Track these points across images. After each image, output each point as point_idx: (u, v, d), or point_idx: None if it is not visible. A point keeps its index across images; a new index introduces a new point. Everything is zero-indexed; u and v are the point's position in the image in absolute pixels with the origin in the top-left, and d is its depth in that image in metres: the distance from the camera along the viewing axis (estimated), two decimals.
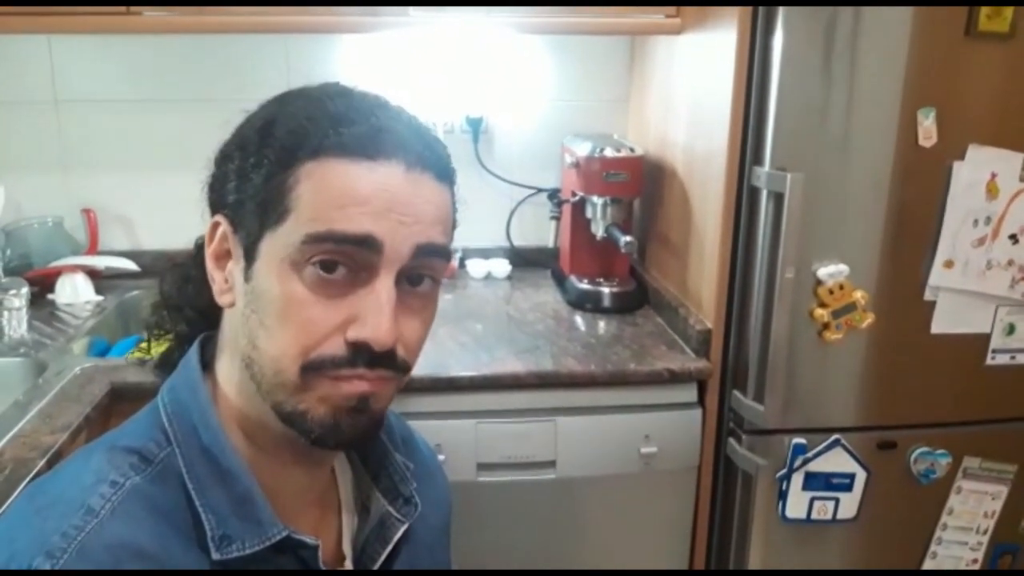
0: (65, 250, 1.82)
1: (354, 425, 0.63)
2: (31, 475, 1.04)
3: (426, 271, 0.65)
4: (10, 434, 1.15)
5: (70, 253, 1.81)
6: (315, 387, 0.61)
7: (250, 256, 0.63)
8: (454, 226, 0.69)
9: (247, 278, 0.63)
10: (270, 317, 0.61)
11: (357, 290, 0.61)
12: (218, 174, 0.67)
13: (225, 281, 0.66)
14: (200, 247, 0.70)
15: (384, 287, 0.61)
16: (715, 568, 1.61)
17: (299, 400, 0.62)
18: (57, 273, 1.76)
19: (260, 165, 0.62)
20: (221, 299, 0.67)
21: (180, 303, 0.75)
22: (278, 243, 0.61)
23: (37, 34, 1.78)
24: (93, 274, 1.80)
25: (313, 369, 0.61)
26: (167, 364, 0.73)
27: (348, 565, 0.74)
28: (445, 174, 0.67)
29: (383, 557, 0.73)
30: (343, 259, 0.60)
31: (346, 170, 0.60)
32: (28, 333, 1.55)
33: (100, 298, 1.76)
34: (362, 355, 0.61)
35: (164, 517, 0.61)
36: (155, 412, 0.67)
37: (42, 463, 1.08)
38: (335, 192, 0.60)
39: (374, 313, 0.60)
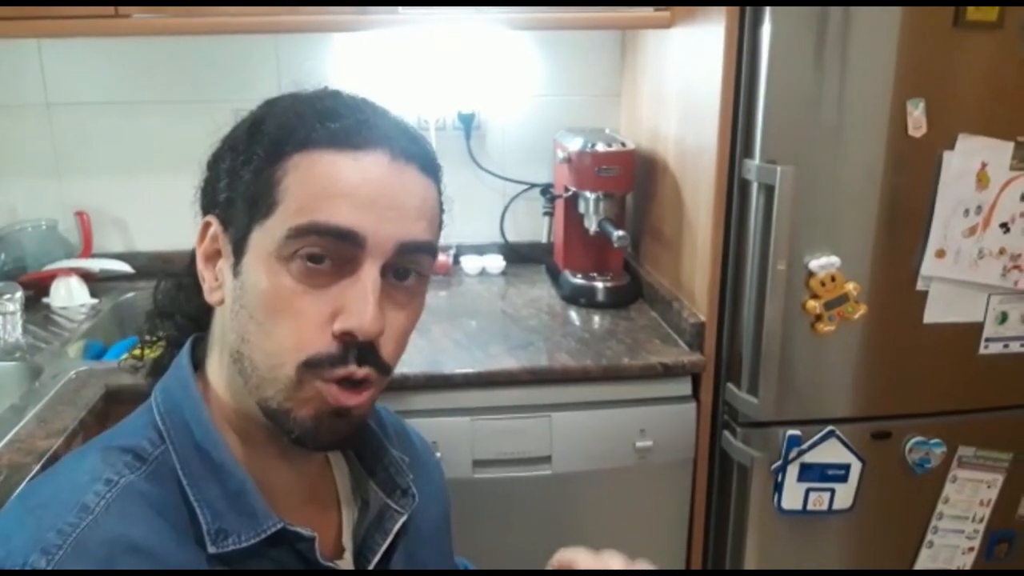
0: (59, 253, 1.82)
1: (334, 430, 0.64)
2: (26, 480, 1.05)
3: (411, 266, 0.65)
4: (6, 439, 1.16)
5: (64, 256, 1.81)
6: (306, 387, 0.62)
7: (239, 251, 0.64)
8: (441, 223, 0.69)
9: (236, 273, 0.64)
10: (260, 311, 0.62)
11: (342, 281, 0.61)
12: (209, 177, 0.68)
13: (215, 279, 0.67)
14: (195, 257, 0.71)
15: (369, 277, 0.61)
16: (713, 561, 1.61)
17: (285, 398, 0.62)
18: (51, 276, 1.76)
19: (250, 161, 0.63)
20: (211, 297, 0.67)
21: (171, 310, 0.76)
22: (265, 237, 0.62)
23: (25, 38, 1.78)
24: (88, 277, 1.80)
25: (310, 368, 0.61)
26: (159, 370, 0.74)
27: (348, 558, 0.74)
28: (430, 168, 0.67)
29: (383, 549, 0.74)
30: (327, 252, 0.61)
31: (332, 160, 0.61)
32: (23, 337, 1.55)
33: (95, 301, 1.76)
34: (352, 350, 0.61)
35: (160, 513, 0.61)
36: (148, 412, 0.67)
37: (37, 468, 1.08)
38: (321, 183, 0.61)
39: (359, 302, 0.60)
